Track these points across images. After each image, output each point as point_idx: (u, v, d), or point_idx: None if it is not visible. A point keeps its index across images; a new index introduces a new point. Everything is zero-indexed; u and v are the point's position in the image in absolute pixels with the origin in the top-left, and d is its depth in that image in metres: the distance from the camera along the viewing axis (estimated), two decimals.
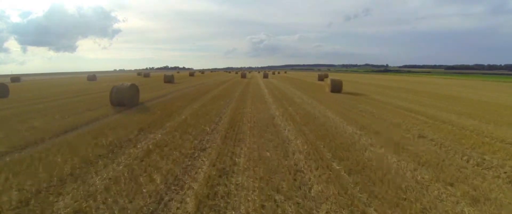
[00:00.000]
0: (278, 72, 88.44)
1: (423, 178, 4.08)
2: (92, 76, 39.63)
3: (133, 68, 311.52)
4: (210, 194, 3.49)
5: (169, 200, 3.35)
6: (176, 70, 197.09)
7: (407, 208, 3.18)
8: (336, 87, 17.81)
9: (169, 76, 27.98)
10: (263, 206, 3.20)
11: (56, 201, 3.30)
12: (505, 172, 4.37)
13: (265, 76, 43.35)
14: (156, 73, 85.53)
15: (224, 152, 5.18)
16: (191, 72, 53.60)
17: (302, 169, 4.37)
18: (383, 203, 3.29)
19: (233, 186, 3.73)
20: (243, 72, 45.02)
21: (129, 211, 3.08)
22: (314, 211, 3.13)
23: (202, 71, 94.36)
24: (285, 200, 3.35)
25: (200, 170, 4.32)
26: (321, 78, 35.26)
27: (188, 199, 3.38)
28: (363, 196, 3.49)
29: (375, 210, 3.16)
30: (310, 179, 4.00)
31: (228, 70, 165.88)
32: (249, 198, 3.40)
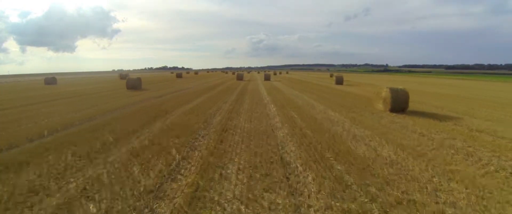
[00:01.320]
0: (280, 73, 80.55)
1: None
2: (50, 79, 31.67)
3: (132, 69, 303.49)
4: None
5: None
6: (170, 70, 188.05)
7: None
8: (401, 104, 9.99)
9: (134, 81, 19.99)
10: None
11: None
12: None
13: (267, 78, 35.39)
14: (148, 74, 77.93)
15: None
16: (179, 74, 45.48)
17: None
18: None
19: None
20: (239, 74, 37.03)
21: None
22: None
23: (196, 72, 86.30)
24: None
25: None
26: (339, 81, 27.44)
27: None
28: None
29: None
30: None
31: (226, 70, 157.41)
32: None
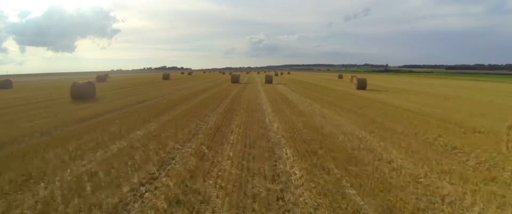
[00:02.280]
0: (281, 73, 74.57)
1: None
2: (4, 83, 25.75)
3: (131, 69, 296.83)
4: None
5: None
6: (169, 70, 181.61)
7: None
8: None
9: (82, 88, 13.97)
10: None
11: None
12: None
13: (268, 80, 29.39)
14: (143, 76, 72.26)
15: None
16: (166, 75, 39.35)
17: None
18: None
19: None
20: (234, 75, 31.09)
21: None
22: None
23: (190, 73, 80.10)
24: None
25: None
26: (361, 85, 21.55)
27: None
28: None
29: None
30: None
31: (223, 70, 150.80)
32: None
